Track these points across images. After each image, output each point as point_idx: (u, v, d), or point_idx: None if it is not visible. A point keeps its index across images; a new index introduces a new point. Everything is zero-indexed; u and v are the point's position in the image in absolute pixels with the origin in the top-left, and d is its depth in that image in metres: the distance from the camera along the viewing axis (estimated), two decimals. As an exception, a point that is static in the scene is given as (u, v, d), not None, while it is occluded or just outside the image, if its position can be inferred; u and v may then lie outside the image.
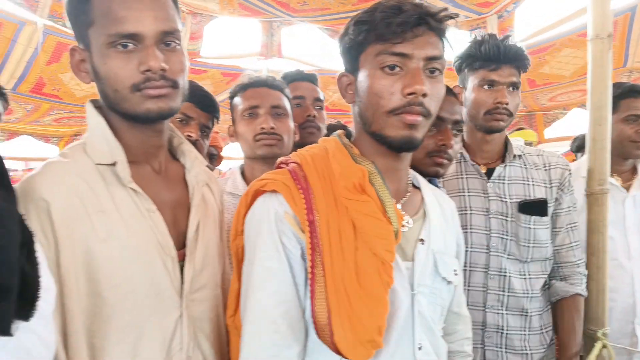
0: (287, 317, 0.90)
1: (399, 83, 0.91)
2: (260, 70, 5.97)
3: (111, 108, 0.97)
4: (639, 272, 1.85)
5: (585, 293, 1.60)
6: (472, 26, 5.17)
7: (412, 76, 0.90)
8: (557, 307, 1.59)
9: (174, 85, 0.94)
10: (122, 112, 0.95)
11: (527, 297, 1.53)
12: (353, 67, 0.98)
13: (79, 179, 0.92)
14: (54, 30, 4.50)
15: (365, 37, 0.93)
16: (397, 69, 0.91)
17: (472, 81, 1.57)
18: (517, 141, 1.81)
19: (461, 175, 1.62)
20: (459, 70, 1.61)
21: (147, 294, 0.93)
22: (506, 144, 1.64)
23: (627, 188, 1.95)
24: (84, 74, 0.97)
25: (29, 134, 5.83)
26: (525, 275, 1.53)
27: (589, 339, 1.63)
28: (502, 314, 1.53)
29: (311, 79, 1.85)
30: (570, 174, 1.59)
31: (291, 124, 1.56)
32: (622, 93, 1.91)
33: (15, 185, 0.74)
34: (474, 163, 1.62)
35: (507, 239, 1.53)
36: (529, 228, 1.52)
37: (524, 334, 1.53)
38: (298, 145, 1.55)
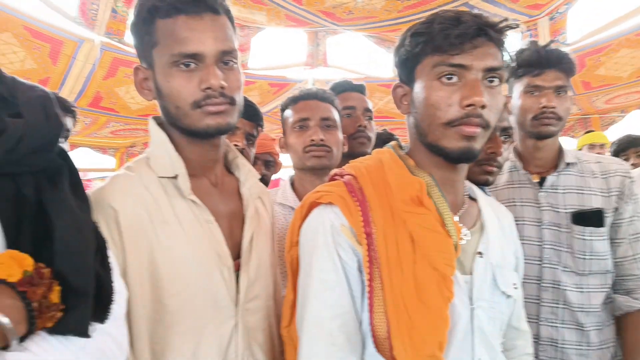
0: (344, 329, 0.89)
1: (457, 94, 0.89)
2: (306, 80, 6.04)
3: (172, 124, 1.02)
4: None
5: None
6: (523, 29, 5.05)
7: (471, 87, 0.88)
8: (621, 323, 1.51)
9: (232, 102, 0.98)
10: (182, 127, 1.00)
11: (584, 311, 1.46)
12: (409, 78, 0.97)
13: (144, 190, 0.97)
14: (110, 46, 4.72)
15: (423, 48, 0.92)
16: (455, 80, 0.90)
17: (517, 88, 1.56)
18: (589, 142, 1.72)
19: (513, 184, 1.58)
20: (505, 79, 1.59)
21: (205, 302, 0.96)
22: (560, 151, 1.58)
23: None
24: (147, 91, 1.02)
25: (87, 146, 6.13)
26: (582, 288, 1.46)
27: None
28: (557, 327, 1.47)
29: (360, 89, 1.85)
30: (632, 181, 1.51)
31: (340, 136, 1.57)
32: None
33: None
34: (526, 172, 1.57)
35: (561, 250, 1.47)
36: (584, 239, 1.46)
37: (581, 349, 1.46)
38: (347, 156, 1.56)
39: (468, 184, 1.10)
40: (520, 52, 1.52)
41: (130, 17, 1.01)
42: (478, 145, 0.92)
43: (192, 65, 0.94)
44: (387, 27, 5.10)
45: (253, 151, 1.79)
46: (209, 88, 0.94)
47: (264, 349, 1.05)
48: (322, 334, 0.89)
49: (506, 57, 0.94)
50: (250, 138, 1.74)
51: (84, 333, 0.63)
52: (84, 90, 5.02)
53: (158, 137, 1.03)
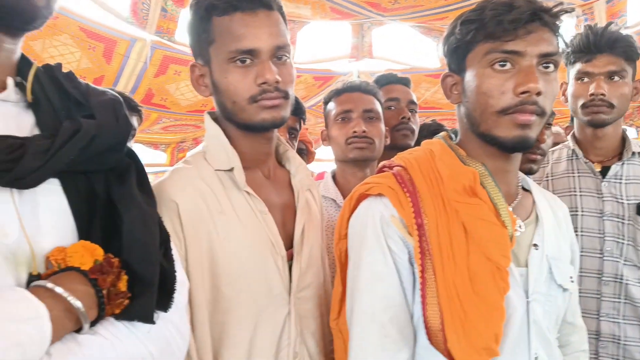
0: (396, 321, 0.89)
1: (510, 81, 0.87)
2: (350, 73, 6.02)
3: (228, 119, 1.05)
4: None
5: None
6: (578, 14, 4.84)
7: (526, 74, 0.86)
8: None
9: (286, 96, 1.01)
10: (239, 122, 1.03)
11: None
12: (459, 67, 0.96)
13: (202, 183, 1.01)
14: (161, 44, 4.86)
15: (474, 36, 0.90)
16: (509, 67, 0.88)
17: (571, 75, 1.52)
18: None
19: (572, 173, 1.52)
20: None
21: (260, 289, 1.00)
22: (624, 140, 1.51)
23: None
24: (203, 87, 1.06)
25: (139, 142, 6.35)
26: None
27: None
28: (619, 323, 1.42)
29: (405, 82, 1.86)
30: None
31: (382, 128, 1.58)
32: None
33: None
34: (587, 161, 1.51)
35: (623, 243, 1.41)
36: None
37: None
38: (389, 148, 1.56)
39: (521, 175, 1.08)
40: (574, 37, 1.48)
41: (180, 15, 1.04)
42: (533, 133, 0.90)
43: (248, 61, 0.98)
44: (434, 15, 5.00)
45: (295, 144, 1.82)
46: (264, 83, 0.97)
47: (315, 336, 1.08)
48: (374, 326, 0.89)
49: (561, 42, 0.91)
50: (292, 132, 1.77)
51: (149, 319, 0.67)
52: (137, 88, 5.20)
53: (214, 132, 1.06)
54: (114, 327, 0.64)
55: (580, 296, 1.41)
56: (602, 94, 1.43)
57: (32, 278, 0.62)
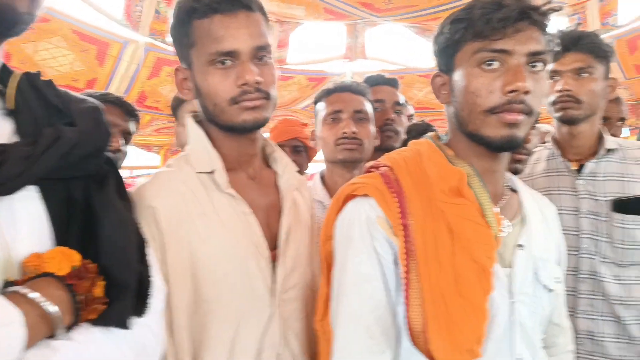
0: (381, 322, 0.89)
1: (498, 80, 0.87)
2: (344, 74, 6.02)
3: (210, 121, 1.05)
4: None
5: None
6: (569, 12, 4.85)
7: (514, 73, 0.86)
8: None
9: (267, 96, 1.01)
10: (220, 123, 1.03)
11: (623, 304, 1.41)
12: (448, 66, 0.96)
13: (183, 185, 1.01)
14: (154, 47, 4.85)
15: (463, 35, 0.90)
16: (497, 65, 0.88)
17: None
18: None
19: (550, 172, 1.54)
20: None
21: (242, 291, 0.99)
22: (600, 137, 1.52)
23: None
24: (186, 91, 1.07)
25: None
26: (622, 280, 1.41)
27: None
28: (596, 319, 1.43)
29: (392, 83, 1.85)
30: None
31: (372, 129, 1.57)
32: None
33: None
34: (564, 159, 1.53)
35: (600, 240, 1.42)
36: (625, 228, 1.40)
37: (620, 342, 1.41)
38: (378, 149, 1.56)
39: (509, 175, 1.08)
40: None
41: (171, 17, 1.05)
42: (522, 132, 0.89)
43: (229, 63, 0.98)
44: (427, 15, 5.01)
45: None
46: (245, 84, 0.97)
47: (300, 338, 1.07)
48: (359, 328, 0.89)
49: (550, 41, 0.91)
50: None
51: (124, 325, 0.67)
52: (129, 90, 5.19)
53: (196, 134, 1.07)
54: (89, 332, 0.64)
55: None
56: (568, 90, 1.45)
57: (8, 284, 0.61)
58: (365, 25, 5.58)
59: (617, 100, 2.28)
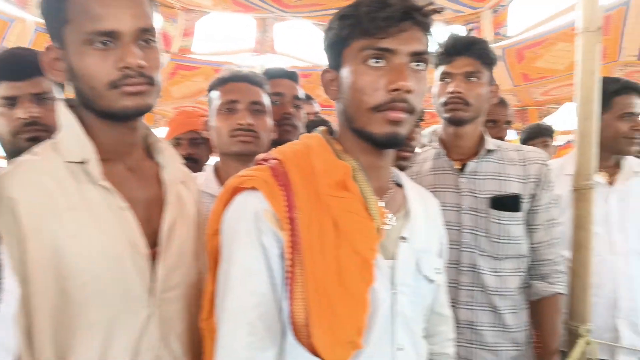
0: (265, 318, 0.88)
1: (383, 79, 0.89)
2: (254, 67, 5.94)
3: (86, 106, 0.97)
4: (622, 268, 1.85)
5: (565, 291, 1.59)
6: (467, 21, 5.15)
7: (397, 72, 0.88)
8: (538, 307, 1.59)
9: (151, 82, 0.95)
10: (98, 109, 0.95)
11: (499, 294, 1.52)
12: (337, 62, 0.96)
13: (47, 177, 0.91)
14: (44, 26, 4.46)
15: (350, 32, 0.91)
16: (382, 64, 0.89)
17: (436, 77, 1.62)
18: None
19: (436, 171, 1.63)
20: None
21: (115, 292, 0.92)
22: (481, 138, 1.63)
23: (611, 183, 1.95)
24: (57, 72, 0.97)
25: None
26: (498, 272, 1.52)
27: (573, 335, 1.61)
28: (474, 310, 1.53)
29: (292, 76, 1.83)
30: (548, 169, 1.58)
31: (269, 121, 1.53)
32: (618, 90, 1.90)
33: None
34: (448, 159, 1.62)
35: (479, 235, 1.53)
36: (501, 224, 1.52)
37: (496, 331, 1.52)
38: (275, 142, 1.53)
39: (395, 170, 1.11)
40: (440, 42, 1.58)
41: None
42: (404, 130, 0.92)
43: (109, 44, 0.90)
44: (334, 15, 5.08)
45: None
46: (126, 67, 0.90)
47: (182, 338, 1.02)
48: (243, 324, 0.87)
49: (432, 42, 0.94)
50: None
51: None
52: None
53: (66, 120, 0.97)
54: None
55: None
56: (459, 92, 1.53)
57: None
58: (274, 20, 5.55)
59: (504, 105, 2.45)
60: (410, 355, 0.97)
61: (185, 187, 1.12)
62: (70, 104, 1.00)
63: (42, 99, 1.36)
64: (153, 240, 0.99)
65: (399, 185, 1.09)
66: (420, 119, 1.40)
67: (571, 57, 5.08)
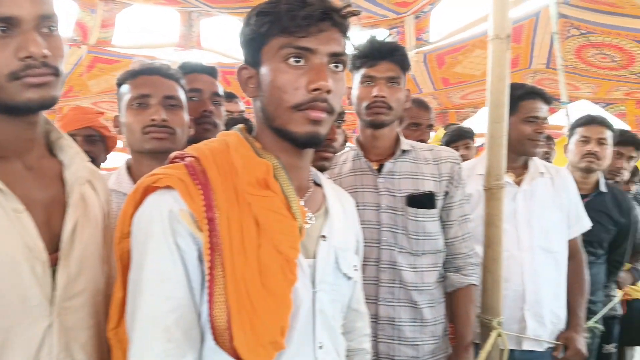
0: (182, 323, 0.84)
1: (303, 78, 0.89)
2: (177, 62, 5.76)
3: None
4: (528, 262, 1.97)
5: (478, 283, 1.68)
6: (391, 25, 5.30)
7: (317, 72, 0.88)
8: (453, 298, 1.66)
9: (56, 72, 0.89)
10: None
11: (418, 290, 1.58)
12: (255, 59, 0.94)
13: None
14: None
15: (269, 29, 0.90)
16: (302, 63, 0.89)
17: (356, 79, 1.64)
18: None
19: (355, 172, 1.66)
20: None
21: (11, 301, 0.85)
22: (397, 139, 1.68)
23: (519, 183, 2.07)
24: None
25: None
26: (416, 268, 1.58)
27: (485, 328, 1.71)
28: (394, 306, 1.57)
29: (210, 72, 1.75)
30: (460, 167, 1.66)
31: (186, 117, 1.46)
32: (523, 95, 2.02)
33: None
34: (367, 160, 1.66)
35: (397, 232, 1.58)
36: (417, 221, 1.58)
37: (415, 326, 1.58)
38: (193, 140, 1.48)
39: (313, 170, 1.11)
40: (359, 45, 1.61)
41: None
42: (324, 130, 0.92)
43: (7, 32, 0.83)
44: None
45: None
46: (29, 57, 0.83)
47: (87, 349, 0.96)
48: (157, 330, 0.83)
49: (348, 44, 0.95)
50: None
51: None
52: None
53: None
54: None
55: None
56: (383, 97, 1.57)
57: None
58: (200, 14, 5.42)
59: (427, 109, 2.54)
60: (330, 352, 0.98)
61: (91, 187, 1.05)
62: None
63: None
64: (54, 245, 0.92)
65: (318, 184, 1.09)
66: (341, 120, 1.42)
67: (487, 63, 5.38)
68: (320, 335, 0.96)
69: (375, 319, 1.55)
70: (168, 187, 0.88)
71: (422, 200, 1.59)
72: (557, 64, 4.31)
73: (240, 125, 1.04)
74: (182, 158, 0.95)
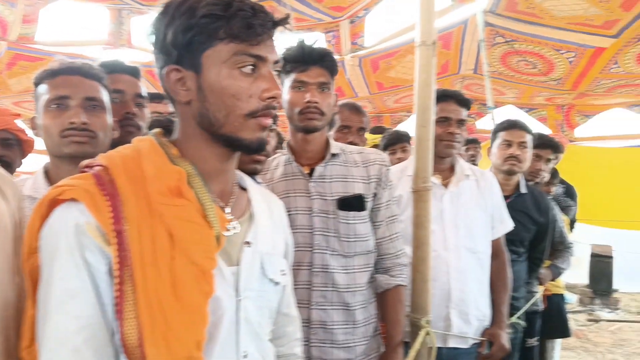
0: (92, 343, 0.80)
1: (255, 86, 0.89)
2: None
3: None
4: (454, 262, 2.05)
5: (406, 283, 1.71)
6: (327, 29, 5.35)
7: (270, 80, 0.90)
8: (382, 299, 1.69)
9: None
10: None
11: (350, 291, 1.60)
12: (193, 62, 0.89)
13: None
14: None
15: (217, 33, 0.87)
16: (254, 71, 0.89)
17: (286, 84, 1.64)
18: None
19: (287, 177, 1.67)
20: None
21: None
22: (327, 143, 1.70)
23: (446, 185, 2.15)
24: None
25: None
26: (348, 269, 1.60)
27: (414, 327, 1.75)
28: (327, 309, 1.58)
29: (133, 72, 1.68)
30: (387, 169, 1.70)
31: (109, 119, 1.39)
32: (436, 97, 2.09)
33: None
34: (298, 164, 1.67)
35: (329, 235, 1.59)
36: (348, 223, 1.60)
37: (347, 328, 1.60)
38: (117, 144, 1.41)
39: (239, 174, 1.09)
40: (288, 49, 1.61)
41: None
42: (267, 135, 0.95)
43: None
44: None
45: None
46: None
47: None
48: (66, 351, 0.78)
49: (279, 51, 0.97)
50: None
51: None
52: None
53: None
54: None
55: (295, 288, 1.52)
56: (316, 102, 1.58)
57: None
58: (130, 12, 5.23)
59: (358, 112, 2.57)
60: None
61: (0, 194, 0.98)
62: None
63: None
64: None
65: (243, 188, 1.07)
66: (274, 122, 1.42)
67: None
68: (244, 344, 0.94)
69: (307, 323, 1.55)
70: (73, 199, 0.83)
71: (352, 203, 1.60)
72: (483, 70, 4.52)
73: (156, 130, 0.99)
74: (91, 167, 0.90)
